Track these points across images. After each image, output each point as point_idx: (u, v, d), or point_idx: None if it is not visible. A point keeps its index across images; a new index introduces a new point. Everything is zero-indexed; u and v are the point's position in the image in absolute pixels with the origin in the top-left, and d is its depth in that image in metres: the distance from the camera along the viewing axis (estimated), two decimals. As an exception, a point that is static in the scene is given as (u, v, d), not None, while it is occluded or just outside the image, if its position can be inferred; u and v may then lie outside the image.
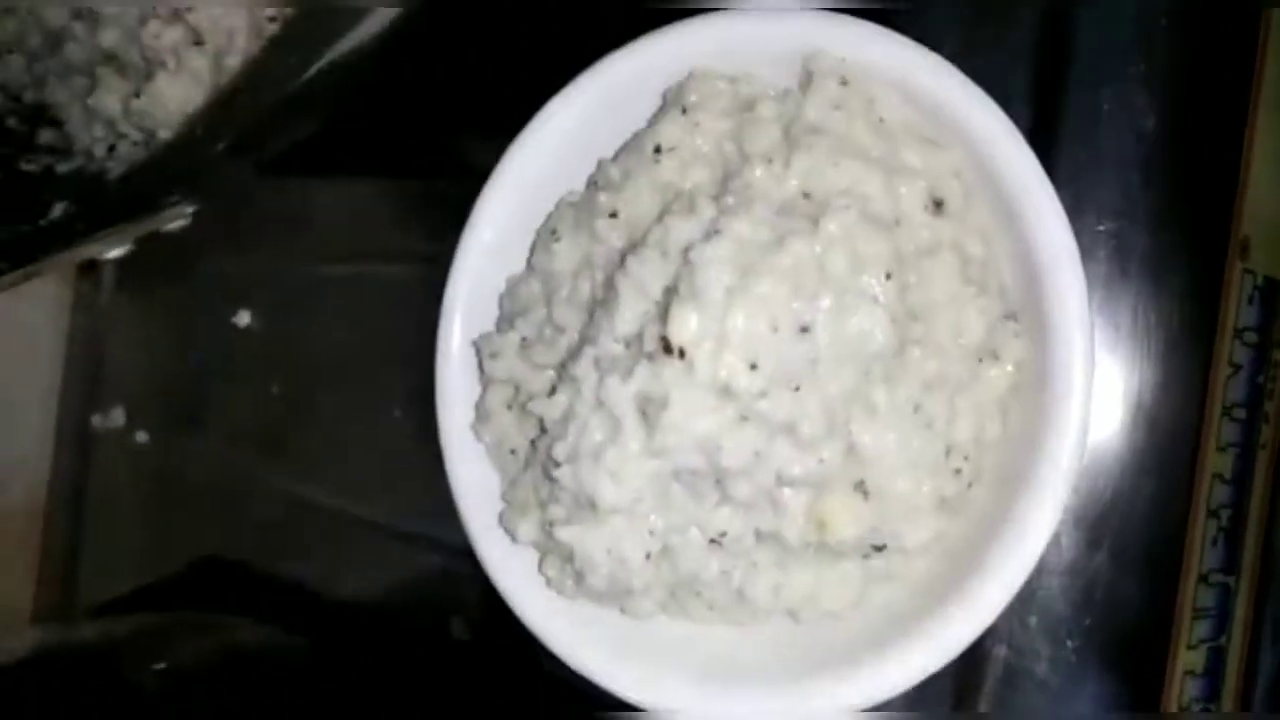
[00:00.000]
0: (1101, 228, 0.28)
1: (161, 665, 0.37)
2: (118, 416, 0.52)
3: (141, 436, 0.51)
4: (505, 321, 0.31)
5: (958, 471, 0.25)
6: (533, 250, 0.31)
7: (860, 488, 0.25)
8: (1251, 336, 0.31)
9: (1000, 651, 0.29)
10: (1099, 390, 0.29)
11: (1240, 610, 0.33)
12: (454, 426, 0.32)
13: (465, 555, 0.39)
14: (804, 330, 0.25)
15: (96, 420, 0.52)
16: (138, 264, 0.51)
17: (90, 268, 0.52)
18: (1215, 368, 0.30)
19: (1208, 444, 0.30)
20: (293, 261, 0.46)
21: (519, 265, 0.32)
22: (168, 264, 0.50)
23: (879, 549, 0.26)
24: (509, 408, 0.31)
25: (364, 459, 0.44)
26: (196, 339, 0.49)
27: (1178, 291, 0.29)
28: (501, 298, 0.32)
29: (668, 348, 0.25)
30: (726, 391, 0.25)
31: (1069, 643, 0.29)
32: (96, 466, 0.52)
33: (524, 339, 0.30)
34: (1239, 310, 0.31)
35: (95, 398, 0.52)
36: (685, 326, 0.24)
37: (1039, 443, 0.25)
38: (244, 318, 0.47)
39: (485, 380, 0.31)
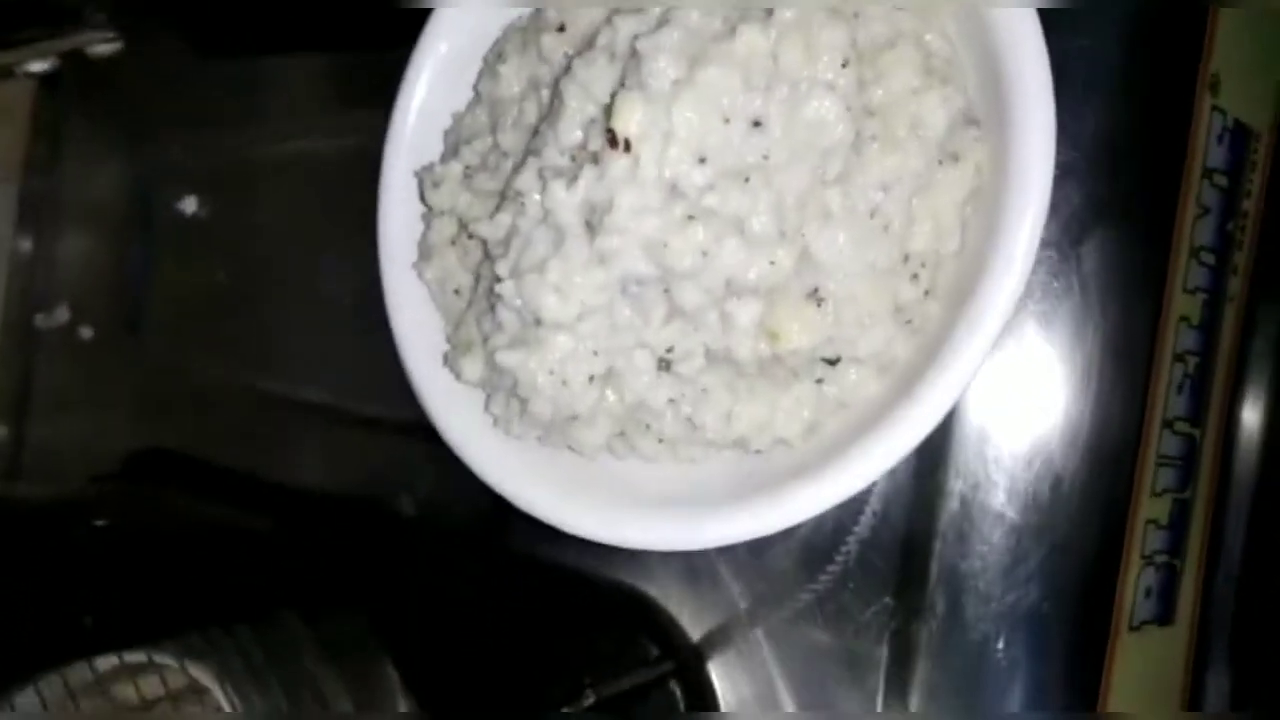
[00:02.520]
0: (1068, 48, 0.27)
1: (102, 522, 0.36)
2: (61, 314, 0.50)
3: (86, 333, 0.49)
4: (449, 152, 0.30)
5: (915, 277, 0.24)
6: (479, 78, 0.30)
7: (814, 296, 0.24)
8: (1221, 180, 0.31)
9: (956, 485, 0.28)
10: (1061, 213, 0.28)
11: (1205, 464, 0.32)
12: (395, 270, 0.31)
13: (411, 434, 0.38)
14: (756, 124, 0.23)
15: (40, 319, 0.50)
16: (84, 156, 0.50)
17: (37, 163, 0.50)
18: (1183, 205, 0.29)
19: (1174, 284, 0.30)
20: (239, 146, 0.45)
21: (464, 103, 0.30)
22: (115, 155, 0.49)
23: (832, 363, 0.25)
24: (452, 243, 0.30)
25: (311, 344, 0.42)
26: (143, 229, 0.47)
27: (1145, 120, 0.29)
28: (446, 132, 0.30)
29: (613, 141, 0.23)
30: (674, 190, 0.24)
31: (1026, 475, 0.28)
32: (40, 365, 0.50)
33: (468, 167, 0.29)
34: (1208, 149, 0.30)
35: (39, 296, 0.50)
36: (631, 117, 0.23)
37: (992, 252, 0.24)
38: (190, 204, 0.46)
39: (428, 215, 0.30)
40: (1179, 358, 0.30)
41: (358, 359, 0.41)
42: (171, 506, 0.39)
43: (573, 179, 0.24)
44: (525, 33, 0.29)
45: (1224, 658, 0.34)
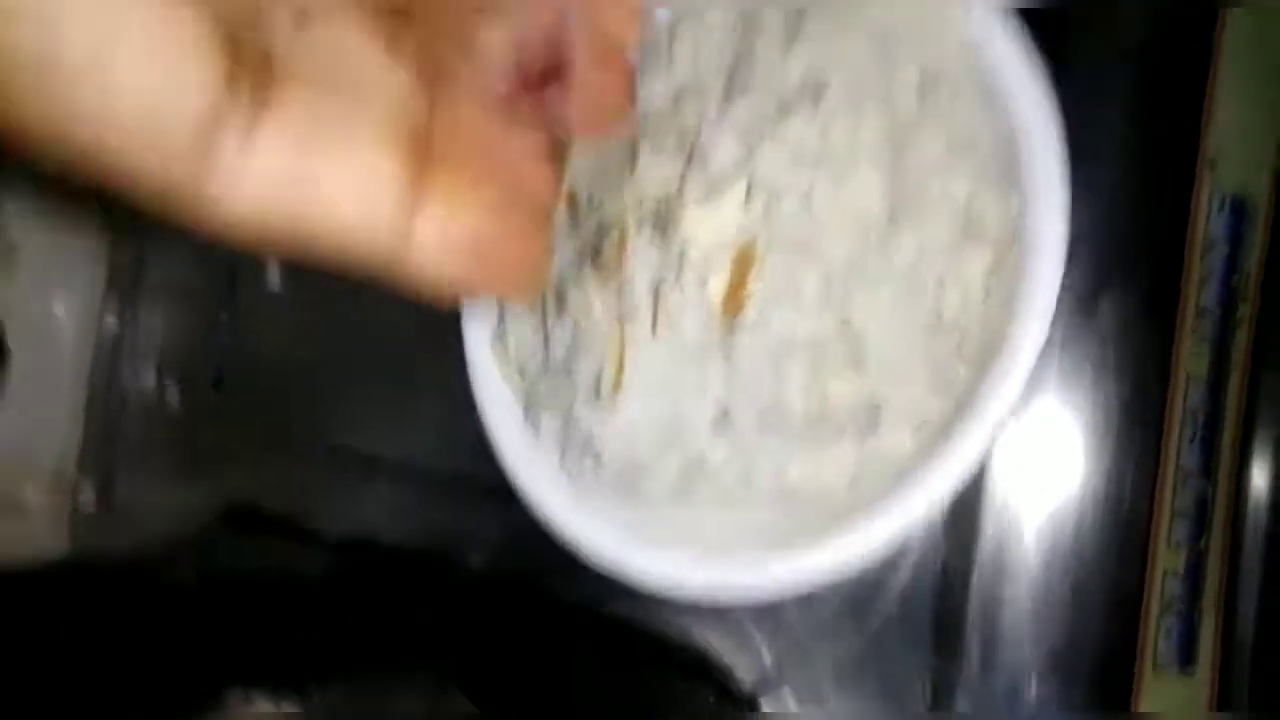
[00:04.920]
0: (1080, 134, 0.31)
1: (191, 570, 0.39)
2: (149, 377, 0.54)
3: (172, 396, 0.53)
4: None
5: (946, 339, 0.28)
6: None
7: (857, 353, 0.28)
8: (1223, 247, 0.34)
9: (989, 530, 0.31)
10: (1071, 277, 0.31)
11: (1219, 515, 0.35)
12: (476, 339, 0.34)
13: (478, 492, 0.41)
14: (805, 198, 0.27)
15: (128, 382, 0.54)
16: (171, 233, 0.54)
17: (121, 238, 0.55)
18: (1188, 271, 0.33)
19: (1181, 344, 0.33)
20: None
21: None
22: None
23: (873, 418, 0.28)
24: (530, 310, 0.33)
25: (390, 406, 0.46)
26: (227, 298, 0.51)
27: (1149, 198, 0.32)
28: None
29: (680, 217, 0.27)
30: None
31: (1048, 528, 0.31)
32: (127, 428, 0.54)
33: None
34: (1209, 220, 0.33)
35: (126, 361, 0.54)
36: (695, 193, 0.27)
37: (1013, 318, 0.27)
38: (275, 274, 0.50)
39: (508, 288, 0.34)
40: (1189, 413, 0.33)
41: (434, 420, 0.45)
42: (253, 559, 0.43)
43: (644, 254, 0.28)
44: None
45: (1244, 703, 0.36)
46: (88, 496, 0.55)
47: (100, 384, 0.55)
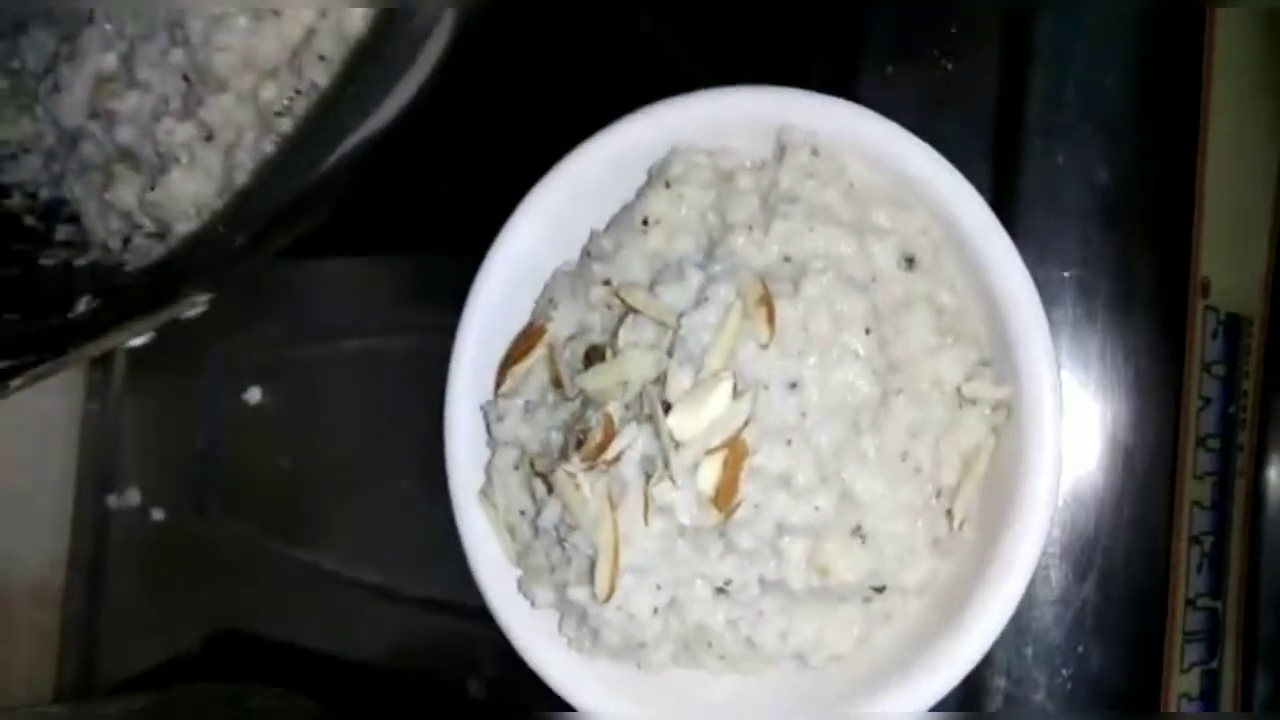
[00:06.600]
0: (1066, 274, 0.30)
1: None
2: (133, 496, 0.53)
3: (157, 514, 0.52)
4: (511, 390, 0.33)
5: (948, 513, 0.27)
6: (533, 319, 0.33)
7: (857, 532, 0.27)
8: (1219, 369, 0.33)
9: (1000, 683, 0.30)
10: (1076, 428, 0.31)
11: (1230, 632, 0.34)
12: (464, 493, 0.33)
13: (478, 617, 0.40)
14: (793, 386, 0.26)
15: (112, 500, 0.53)
16: (151, 348, 0.53)
17: (104, 355, 0.53)
18: (1186, 401, 0.32)
19: (1184, 474, 0.32)
20: (301, 340, 0.48)
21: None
22: (180, 347, 0.52)
23: (879, 590, 0.27)
24: (516, 468, 0.32)
25: (375, 528, 0.45)
26: (209, 418, 0.50)
27: (1143, 331, 0.31)
28: (503, 362, 0.33)
29: (667, 409, 0.26)
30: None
31: (1064, 670, 0.30)
32: (113, 545, 0.53)
33: (528, 403, 0.32)
34: (1204, 345, 0.33)
35: (111, 479, 0.53)
36: (680, 387, 0.26)
37: (1019, 481, 0.27)
38: (255, 395, 0.49)
39: (493, 444, 0.33)
40: (1195, 540, 0.32)
41: (422, 544, 0.44)
42: (247, 704, 0.42)
43: (632, 438, 0.27)
44: (573, 280, 0.32)
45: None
46: (74, 617, 0.54)
47: (85, 502, 0.54)
